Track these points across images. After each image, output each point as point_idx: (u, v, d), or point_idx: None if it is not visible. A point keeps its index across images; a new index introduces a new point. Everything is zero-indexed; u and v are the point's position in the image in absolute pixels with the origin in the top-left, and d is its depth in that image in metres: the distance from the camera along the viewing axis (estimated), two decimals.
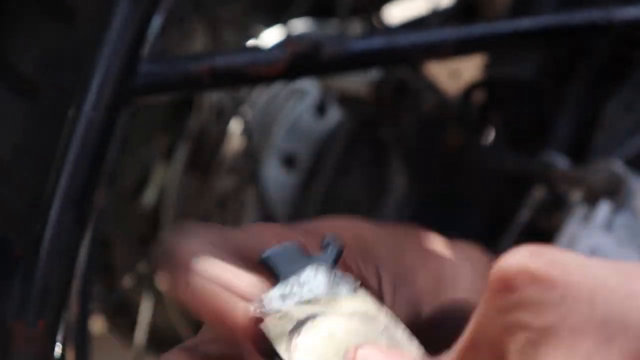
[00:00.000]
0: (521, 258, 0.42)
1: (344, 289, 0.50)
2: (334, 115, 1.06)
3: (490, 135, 1.02)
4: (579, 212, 0.87)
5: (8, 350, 0.64)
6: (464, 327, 0.44)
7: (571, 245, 0.85)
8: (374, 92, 0.94)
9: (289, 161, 1.01)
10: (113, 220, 1.08)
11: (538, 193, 0.96)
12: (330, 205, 0.93)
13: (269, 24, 1.26)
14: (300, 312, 0.49)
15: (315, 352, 0.48)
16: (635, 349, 0.39)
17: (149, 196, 1.08)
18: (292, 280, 0.50)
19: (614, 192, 0.85)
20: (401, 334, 0.49)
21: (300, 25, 1.12)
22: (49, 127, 0.68)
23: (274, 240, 0.51)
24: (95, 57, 0.66)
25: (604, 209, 0.85)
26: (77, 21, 0.70)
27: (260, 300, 0.49)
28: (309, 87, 1.06)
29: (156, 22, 0.78)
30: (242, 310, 0.48)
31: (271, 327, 0.48)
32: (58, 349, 0.67)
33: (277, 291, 0.49)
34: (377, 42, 0.77)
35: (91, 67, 0.66)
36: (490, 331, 0.42)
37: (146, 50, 0.73)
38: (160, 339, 1.30)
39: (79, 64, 0.67)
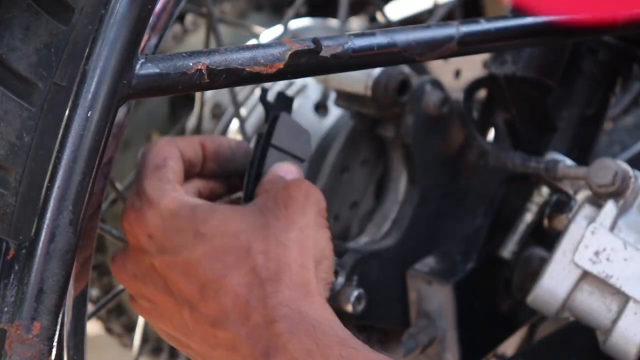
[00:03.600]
0: None
1: None
2: (335, 114, 1.06)
3: (493, 135, 1.02)
4: (583, 212, 0.86)
5: (3, 353, 0.63)
6: None
7: (576, 246, 0.84)
8: (375, 91, 0.93)
9: None
10: (110, 221, 1.07)
11: (542, 193, 0.95)
12: (331, 204, 0.92)
13: (268, 22, 1.25)
14: None
15: None
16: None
17: None
18: None
19: (619, 192, 0.84)
20: None
21: (300, 24, 1.11)
22: (45, 126, 0.67)
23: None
24: (91, 56, 0.66)
25: (609, 208, 0.84)
26: (74, 19, 0.69)
27: None
28: (309, 86, 1.06)
29: (154, 20, 0.77)
30: None
31: None
32: (54, 352, 0.66)
33: None
34: (377, 41, 0.76)
35: (88, 65, 0.65)
36: None
37: (144, 48, 0.73)
38: (156, 340, 1.29)
39: (75, 62, 0.67)
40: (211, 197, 0.82)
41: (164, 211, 0.76)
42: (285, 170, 0.81)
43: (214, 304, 0.74)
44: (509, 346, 1.09)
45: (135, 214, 0.76)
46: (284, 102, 0.87)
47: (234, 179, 0.85)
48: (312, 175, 0.98)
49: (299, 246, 0.76)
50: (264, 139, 0.84)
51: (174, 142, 0.80)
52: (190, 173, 0.82)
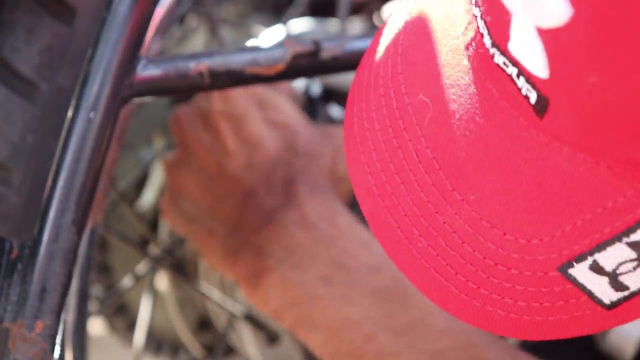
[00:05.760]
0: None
1: None
2: (335, 114, 1.06)
3: None
4: None
5: (6, 352, 0.63)
6: None
7: None
8: None
9: None
10: (112, 221, 1.08)
11: None
12: None
13: (268, 23, 1.25)
14: None
15: None
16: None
17: (148, 196, 1.08)
18: None
19: None
20: None
21: (300, 25, 1.12)
22: (47, 126, 0.68)
23: None
24: (94, 57, 0.66)
25: None
26: (77, 20, 0.70)
27: None
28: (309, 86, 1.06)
29: (155, 21, 0.77)
30: None
31: None
32: (57, 350, 0.66)
33: None
34: None
35: (90, 66, 0.66)
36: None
37: (145, 50, 0.73)
38: (159, 339, 1.30)
39: (77, 64, 0.67)
40: None
41: None
42: None
43: (244, 157, 0.83)
44: None
45: None
46: (325, 95, 0.96)
47: None
48: None
49: (331, 154, 0.85)
50: None
51: None
52: None
